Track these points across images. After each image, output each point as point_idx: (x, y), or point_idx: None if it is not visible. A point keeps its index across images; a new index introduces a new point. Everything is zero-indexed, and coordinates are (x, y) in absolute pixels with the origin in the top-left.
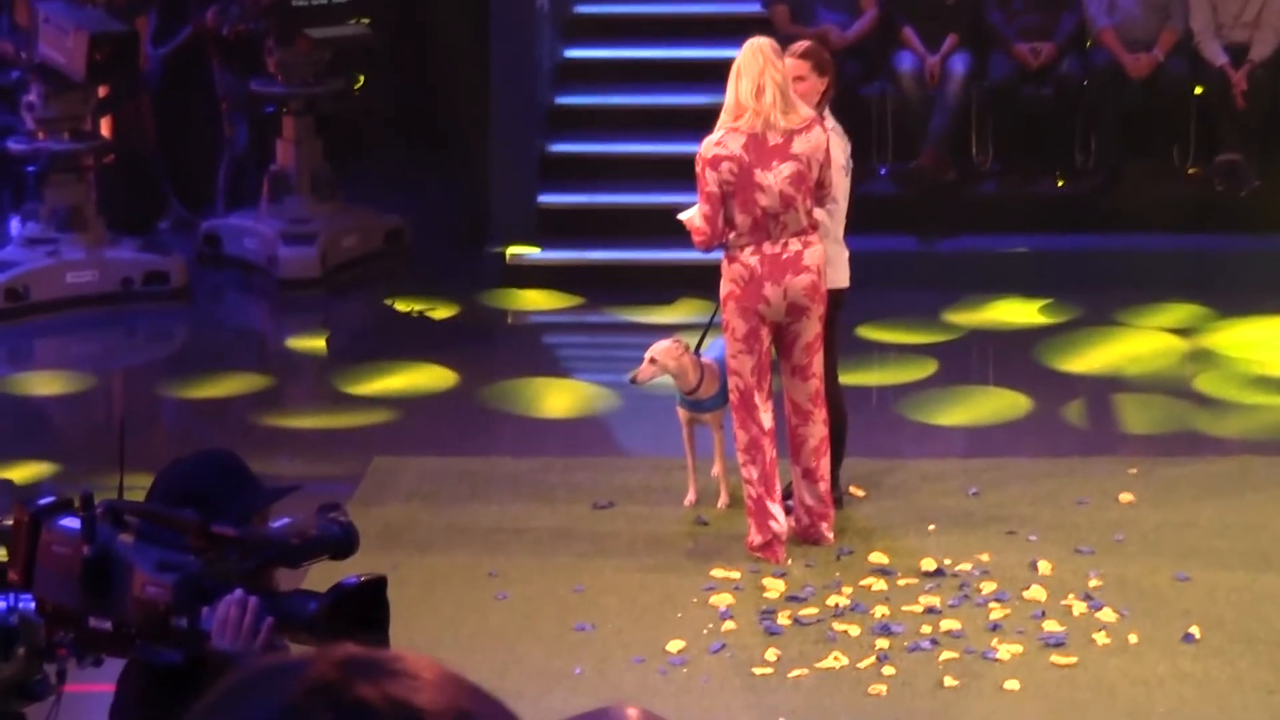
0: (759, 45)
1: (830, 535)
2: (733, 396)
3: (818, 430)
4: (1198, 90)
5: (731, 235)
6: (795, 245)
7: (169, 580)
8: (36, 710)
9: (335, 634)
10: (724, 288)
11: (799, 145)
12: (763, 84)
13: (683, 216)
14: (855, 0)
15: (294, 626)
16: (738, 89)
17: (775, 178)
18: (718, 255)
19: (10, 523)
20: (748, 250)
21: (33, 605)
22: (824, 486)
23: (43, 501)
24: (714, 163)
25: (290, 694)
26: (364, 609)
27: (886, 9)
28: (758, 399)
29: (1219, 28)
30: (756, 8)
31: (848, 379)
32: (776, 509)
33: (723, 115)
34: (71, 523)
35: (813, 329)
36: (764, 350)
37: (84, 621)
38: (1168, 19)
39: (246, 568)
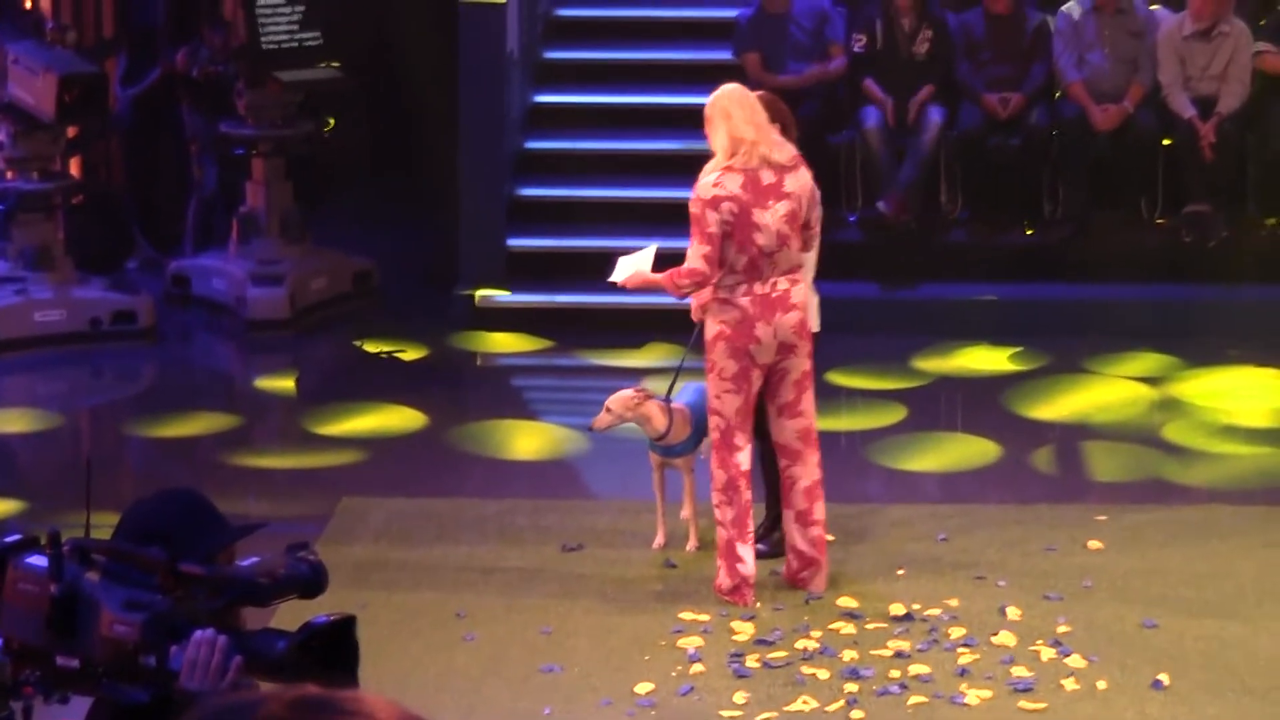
0: (737, 87)
1: (822, 585)
2: (714, 436)
3: (810, 471)
4: (1166, 142)
5: (723, 277)
6: (783, 284)
7: (137, 619)
8: None
9: (304, 673)
10: (712, 329)
11: (790, 184)
12: (750, 123)
13: (618, 279)
14: (824, 49)
15: (263, 666)
16: (729, 127)
17: (772, 217)
18: (686, 301)
19: None
20: (739, 290)
21: None
22: (817, 532)
23: (9, 539)
24: (714, 203)
25: None
26: (333, 648)
27: (854, 61)
28: (739, 439)
29: (1187, 80)
30: (727, 55)
31: (817, 424)
32: (746, 551)
33: (718, 156)
34: (38, 561)
35: (800, 366)
36: (751, 393)
37: (51, 659)
38: (1136, 72)
39: (214, 606)
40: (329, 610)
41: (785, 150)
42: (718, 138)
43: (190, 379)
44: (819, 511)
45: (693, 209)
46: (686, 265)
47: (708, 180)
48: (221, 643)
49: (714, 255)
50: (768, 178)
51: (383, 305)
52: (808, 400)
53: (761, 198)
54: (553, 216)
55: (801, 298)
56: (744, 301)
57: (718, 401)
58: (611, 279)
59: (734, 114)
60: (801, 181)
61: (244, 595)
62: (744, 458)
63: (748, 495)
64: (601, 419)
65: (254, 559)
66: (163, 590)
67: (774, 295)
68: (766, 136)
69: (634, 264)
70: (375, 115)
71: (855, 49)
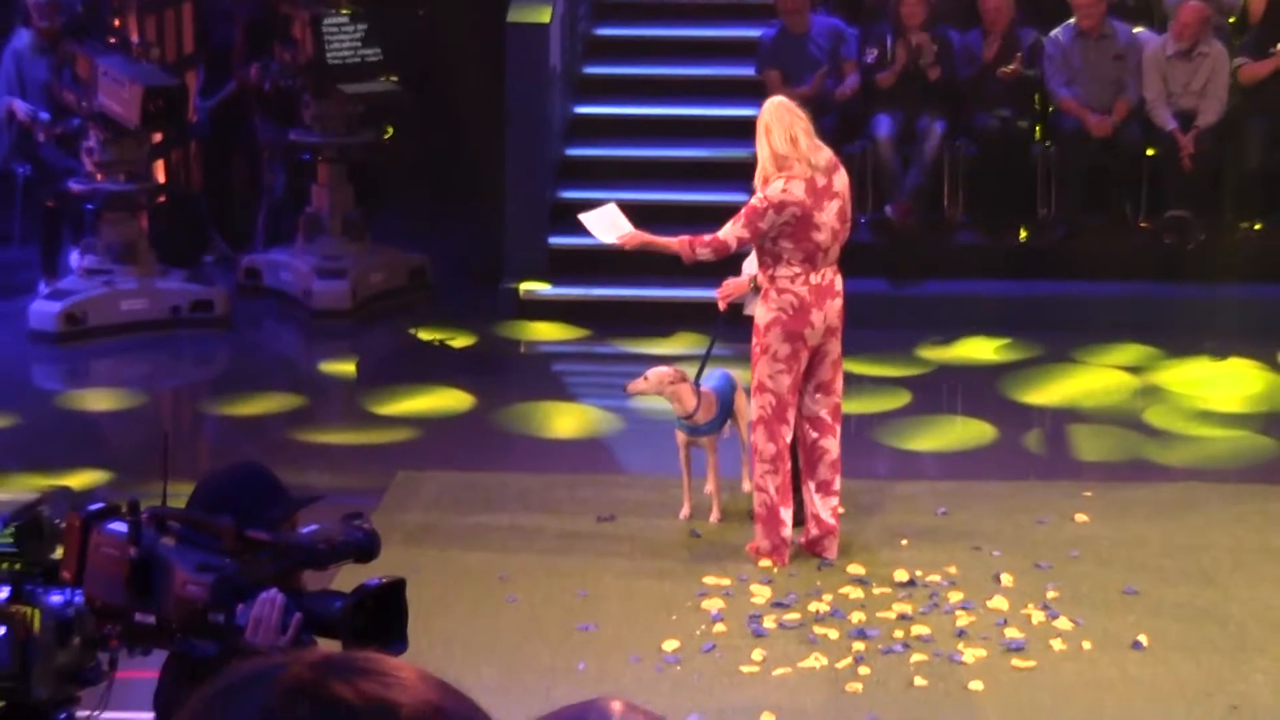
0: (780, 101)
1: (835, 553)
2: (764, 412)
3: (834, 445)
4: (1150, 152)
5: (779, 268)
6: (830, 274)
7: (207, 580)
8: (89, 694)
9: (358, 631)
10: (766, 315)
11: (837, 183)
12: (794, 134)
13: (609, 239)
14: (838, 66)
15: (320, 624)
16: (771, 142)
17: (828, 216)
18: (710, 293)
19: (65, 526)
20: (798, 281)
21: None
22: (835, 502)
23: (93, 507)
24: (780, 206)
25: (269, 696)
26: (385, 609)
27: (866, 76)
28: (788, 415)
29: (1169, 96)
30: (750, 71)
31: None
32: (787, 515)
33: (765, 167)
34: (119, 527)
35: (838, 348)
36: (800, 372)
37: (130, 616)
38: (1121, 91)
39: (277, 569)
40: (382, 574)
41: (824, 153)
42: (762, 151)
43: (260, 363)
44: (838, 484)
45: (757, 204)
46: (714, 237)
47: (778, 185)
48: (283, 602)
49: (741, 244)
50: (820, 180)
51: (435, 297)
52: (840, 380)
53: (819, 200)
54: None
55: (841, 285)
56: (802, 290)
57: (771, 381)
58: (604, 240)
59: (773, 129)
60: (844, 180)
61: (304, 559)
62: (789, 433)
63: (789, 466)
64: (637, 384)
65: (314, 527)
66: (231, 554)
67: (824, 284)
68: (810, 142)
69: (609, 221)
70: (430, 125)
71: (868, 61)
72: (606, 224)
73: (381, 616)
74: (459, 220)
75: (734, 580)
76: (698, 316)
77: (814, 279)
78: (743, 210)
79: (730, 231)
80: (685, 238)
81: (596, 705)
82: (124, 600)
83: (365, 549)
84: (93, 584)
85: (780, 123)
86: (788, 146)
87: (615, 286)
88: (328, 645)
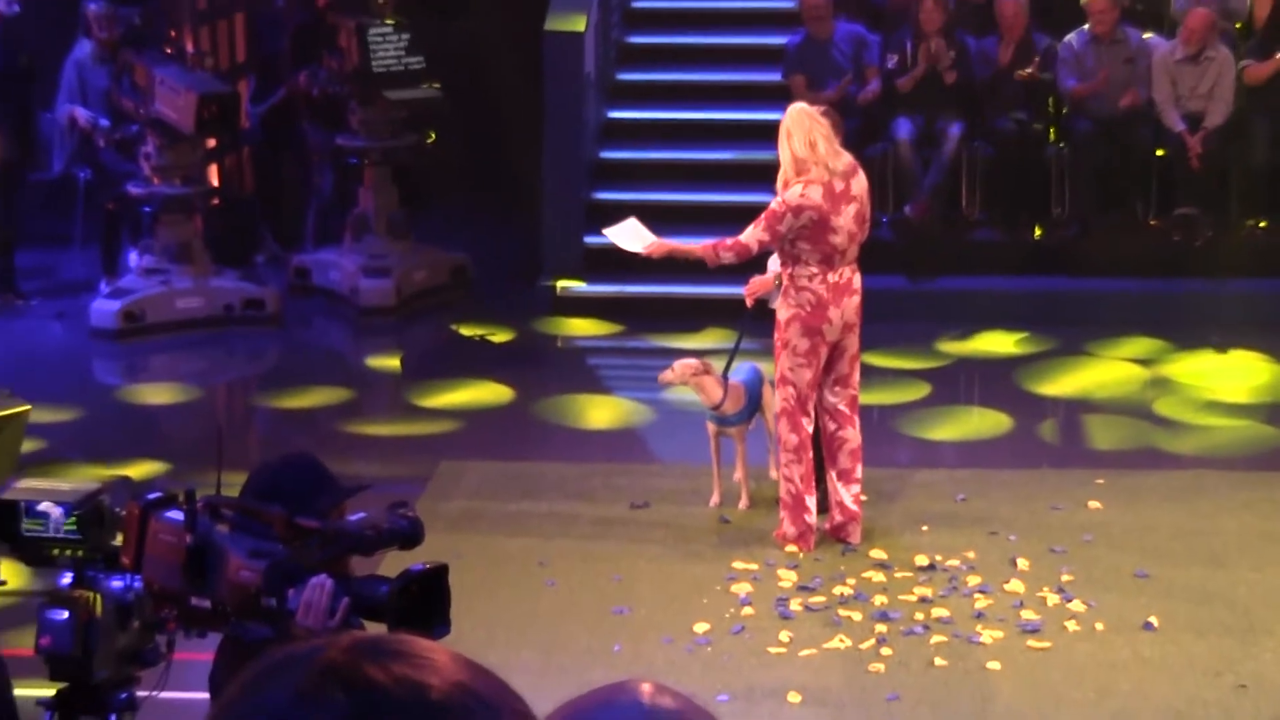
0: (800, 108)
1: (858, 538)
2: (787, 405)
3: (854, 435)
4: (1159, 153)
5: (798, 267)
6: (848, 273)
7: (259, 566)
8: (148, 674)
9: (403, 614)
10: (786, 312)
11: (855, 187)
12: (813, 139)
13: (636, 248)
14: (862, 72)
15: (367, 607)
16: (791, 147)
17: (844, 219)
18: (738, 290)
19: (124, 514)
20: (816, 280)
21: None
22: (857, 489)
23: (151, 496)
24: (797, 210)
25: (304, 679)
26: (428, 593)
27: (887, 81)
28: (809, 407)
29: (1178, 99)
30: (776, 77)
31: None
32: (811, 503)
33: (786, 171)
34: (176, 515)
35: (856, 343)
36: (819, 366)
37: (186, 600)
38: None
39: (326, 556)
40: (426, 560)
41: (843, 158)
42: (783, 155)
43: (309, 358)
44: (859, 472)
45: (776, 208)
46: (735, 240)
47: (796, 190)
48: (331, 587)
49: (761, 246)
50: (838, 184)
51: (476, 295)
52: (857, 373)
53: (836, 204)
54: (624, 217)
55: (859, 284)
56: (820, 289)
57: (791, 374)
58: (630, 249)
59: (794, 134)
60: (862, 184)
61: (352, 546)
62: (809, 424)
63: (812, 455)
64: (665, 374)
65: (361, 514)
66: (282, 541)
67: (842, 282)
68: (829, 147)
69: (633, 233)
70: (470, 129)
71: (889, 65)
72: (631, 236)
73: (426, 600)
74: (498, 220)
75: (762, 565)
76: (726, 312)
77: (831, 278)
78: (763, 214)
79: (751, 235)
80: (709, 243)
81: (627, 687)
82: (180, 585)
83: (410, 536)
84: (151, 569)
85: (800, 128)
86: (807, 151)
87: (647, 284)
88: (375, 628)
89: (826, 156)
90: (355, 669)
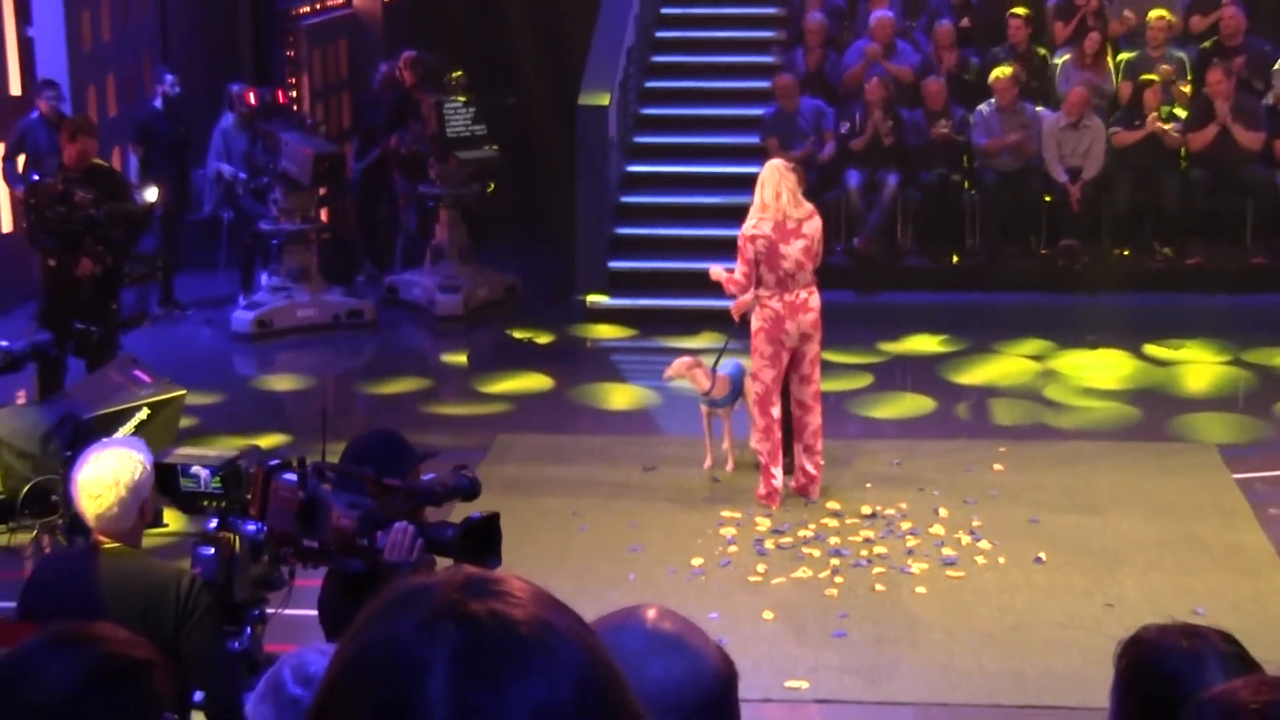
0: (776, 164)
1: (817, 494)
2: (757, 395)
3: (815, 420)
4: (1047, 198)
5: (761, 289)
6: (803, 294)
7: (355, 515)
8: (275, 597)
9: (465, 552)
10: (754, 324)
11: (807, 228)
12: (780, 190)
13: (716, 273)
14: (821, 136)
15: (437, 546)
16: (762, 194)
17: (793, 249)
18: (729, 302)
19: (254, 475)
20: (774, 299)
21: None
22: (818, 459)
23: (271, 462)
24: (752, 239)
25: (426, 610)
26: (485, 535)
27: (841, 143)
28: (773, 399)
29: (1062, 157)
30: (756, 140)
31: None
32: (778, 471)
33: (754, 209)
34: (291, 476)
35: (814, 349)
36: (782, 367)
37: (299, 542)
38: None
39: (406, 508)
40: (483, 509)
41: (803, 207)
42: (755, 197)
43: (397, 355)
44: (819, 445)
45: (739, 242)
46: (731, 278)
47: (750, 223)
48: (410, 530)
49: (750, 273)
50: (790, 224)
51: (525, 307)
52: (818, 372)
53: (785, 237)
54: (641, 248)
55: (816, 303)
56: (777, 306)
57: (761, 372)
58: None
59: (766, 184)
60: (815, 226)
61: (425, 499)
62: (775, 410)
63: (778, 435)
64: (667, 370)
65: (432, 475)
66: (372, 496)
67: (797, 302)
68: (791, 198)
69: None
70: (521, 180)
71: (842, 131)
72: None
73: (483, 541)
74: (542, 249)
75: (743, 514)
76: (719, 321)
77: (787, 297)
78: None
79: (738, 269)
80: (727, 278)
81: (637, 611)
82: (295, 530)
83: (470, 491)
84: (273, 518)
85: (771, 181)
86: (773, 199)
87: (658, 298)
88: (443, 562)
89: (787, 206)
90: (463, 605)
